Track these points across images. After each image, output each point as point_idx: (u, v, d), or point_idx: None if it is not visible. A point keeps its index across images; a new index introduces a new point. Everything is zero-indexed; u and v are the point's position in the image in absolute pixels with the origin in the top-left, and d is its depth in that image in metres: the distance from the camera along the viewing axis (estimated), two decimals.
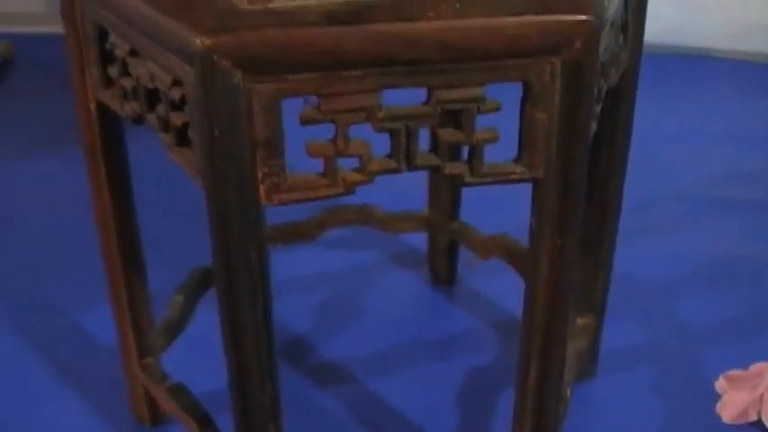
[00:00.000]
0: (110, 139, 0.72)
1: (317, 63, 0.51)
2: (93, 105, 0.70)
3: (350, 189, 0.56)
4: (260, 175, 0.54)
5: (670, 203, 1.25)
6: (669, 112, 1.42)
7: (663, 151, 1.32)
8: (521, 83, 0.54)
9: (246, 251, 0.57)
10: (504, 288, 1.02)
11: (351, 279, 1.08)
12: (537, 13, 0.52)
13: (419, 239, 1.08)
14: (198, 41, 0.50)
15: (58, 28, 1.66)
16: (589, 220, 0.80)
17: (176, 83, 0.56)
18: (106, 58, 0.66)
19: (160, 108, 0.59)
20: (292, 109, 0.53)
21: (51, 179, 1.31)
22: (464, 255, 1.04)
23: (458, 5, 0.52)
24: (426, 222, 1.03)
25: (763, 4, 1.54)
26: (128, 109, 0.64)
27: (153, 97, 0.61)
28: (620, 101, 0.76)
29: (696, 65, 1.60)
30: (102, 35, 0.65)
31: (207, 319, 0.76)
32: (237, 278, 0.58)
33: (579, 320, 0.88)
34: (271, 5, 0.53)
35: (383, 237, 1.08)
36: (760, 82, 1.56)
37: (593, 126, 0.59)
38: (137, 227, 0.78)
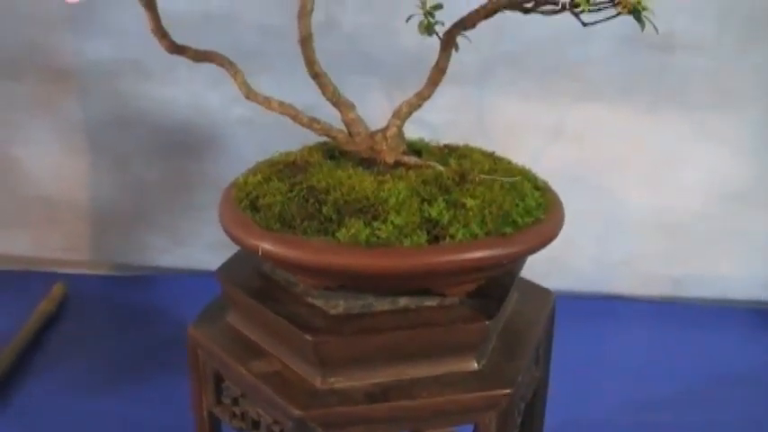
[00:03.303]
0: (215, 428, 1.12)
1: (361, 422, 0.92)
2: (205, 414, 1.10)
3: None
4: None
5: (592, 429, 1.53)
6: (586, 348, 1.74)
7: (584, 382, 1.62)
8: (473, 424, 0.96)
9: None
10: None
11: None
12: (482, 390, 0.94)
13: None
14: (297, 413, 0.91)
15: (102, 271, 2.06)
16: None
17: (276, 422, 0.97)
18: (220, 389, 1.07)
19: (262, 430, 1.00)
20: None
21: (114, 417, 1.56)
22: None
23: (440, 388, 0.94)
24: None
25: (659, 258, 1.92)
26: (235, 424, 1.04)
27: (256, 421, 1.01)
28: (534, 405, 1.16)
29: (609, 307, 1.92)
30: (219, 377, 1.06)
31: None
32: None
33: None
34: (334, 386, 0.94)
35: None
36: (662, 320, 1.89)
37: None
38: None
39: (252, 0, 1.75)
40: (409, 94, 1.79)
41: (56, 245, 2.04)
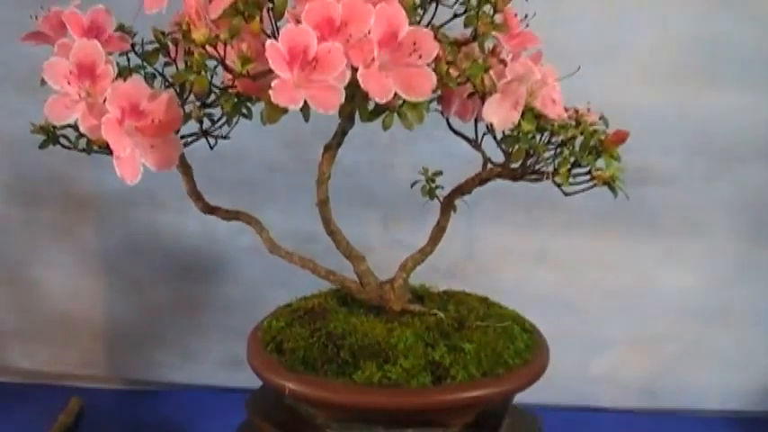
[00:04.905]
0: None
1: None
2: None
3: None
4: None
5: None
6: None
7: None
8: None
9: None
10: None
11: None
12: None
13: None
14: None
15: (116, 385, 2.18)
16: None
17: None
18: None
19: None
20: None
21: None
22: None
23: None
24: None
25: (636, 373, 2.04)
26: None
27: None
28: None
29: (592, 419, 2.00)
30: None
31: None
32: None
33: None
34: None
35: None
36: (641, 431, 1.98)
37: None
38: None
39: (259, 138, 1.91)
40: (402, 223, 1.97)
41: (72, 361, 2.14)
